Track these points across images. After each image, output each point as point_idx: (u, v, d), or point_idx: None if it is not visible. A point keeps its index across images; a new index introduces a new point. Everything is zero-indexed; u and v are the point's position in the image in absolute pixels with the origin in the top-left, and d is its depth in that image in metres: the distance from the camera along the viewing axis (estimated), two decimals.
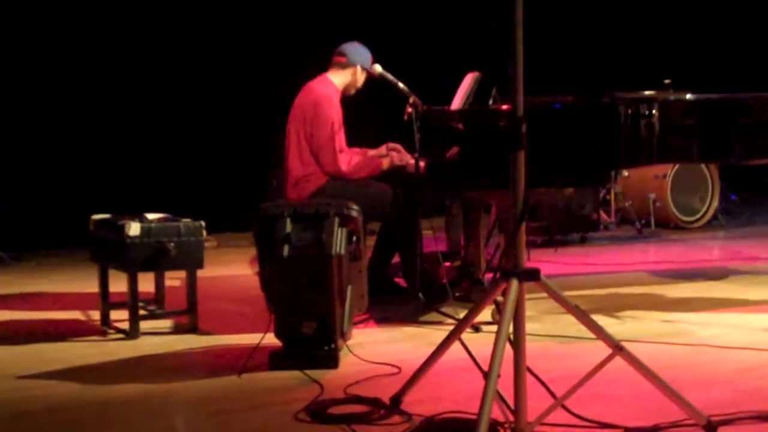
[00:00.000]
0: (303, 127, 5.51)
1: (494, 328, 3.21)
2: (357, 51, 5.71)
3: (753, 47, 11.27)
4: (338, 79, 5.69)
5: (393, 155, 5.67)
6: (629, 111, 5.25)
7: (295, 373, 4.18)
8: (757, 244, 8.03)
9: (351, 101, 5.78)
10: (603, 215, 8.99)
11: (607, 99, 5.37)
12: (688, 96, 5.60)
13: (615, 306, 5.52)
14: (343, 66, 5.69)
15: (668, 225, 9.09)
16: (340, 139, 5.57)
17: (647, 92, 5.75)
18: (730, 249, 7.99)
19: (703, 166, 9.06)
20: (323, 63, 5.76)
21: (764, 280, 6.31)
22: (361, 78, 5.72)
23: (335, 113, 5.54)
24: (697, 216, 9.22)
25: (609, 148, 5.19)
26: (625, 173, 8.89)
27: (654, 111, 5.30)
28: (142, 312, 5.22)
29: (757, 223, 9.46)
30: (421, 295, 5.35)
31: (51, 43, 8.75)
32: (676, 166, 8.88)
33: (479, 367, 3.25)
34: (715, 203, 9.25)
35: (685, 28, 11.31)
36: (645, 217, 8.96)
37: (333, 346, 4.34)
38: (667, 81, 6.99)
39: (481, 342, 3.77)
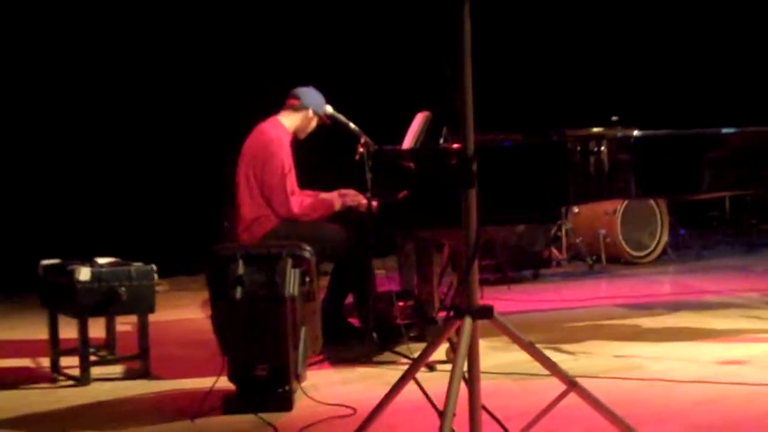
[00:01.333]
0: (253, 170, 5.51)
1: (449, 366, 3.20)
2: (311, 95, 5.73)
3: (701, 83, 11.44)
4: (289, 121, 5.70)
5: (344, 199, 5.66)
6: (578, 148, 5.30)
7: (250, 417, 4.15)
8: (706, 278, 8.11)
9: (303, 142, 5.79)
10: (554, 252, 9.03)
11: (556, 137, 5.43)
12: (636, 132, 5.67)
13: (568, 342, 5.54)
14: (296, 109, 5.70)
15: (619, 260, 9.15)
16: (291, 181, 5.56)
17: (595, 129, 5.81)
18: (680, 283, 8.07)
19: (652, 201, 9.15)
20: (275, 104, 5.76)
21: (715, 314, 6.36)
22: (312, 122, 5.73)
23: (285, 155, 5.53)
24: (647, 251, 9.30)
25: (559, 185, 5.24)
26: (576, 210, 8.95)
27: (602, 147, 5.36)
28: (93, 358, 5.15)
29: (705, 257, 9.55)
30: (375, 335, 5.34)
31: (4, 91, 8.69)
32: (626, 202, 8.96)
33: (434, 407, 3.24)
34: (665, 238, 9.33)
35: (632, 64, 11.46)
36: (596, 253, 9.02)
37: (287, 388, 4.31)
38: (614, 118, 7.08)
39: (436, 381, 3.75)
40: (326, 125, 5.75)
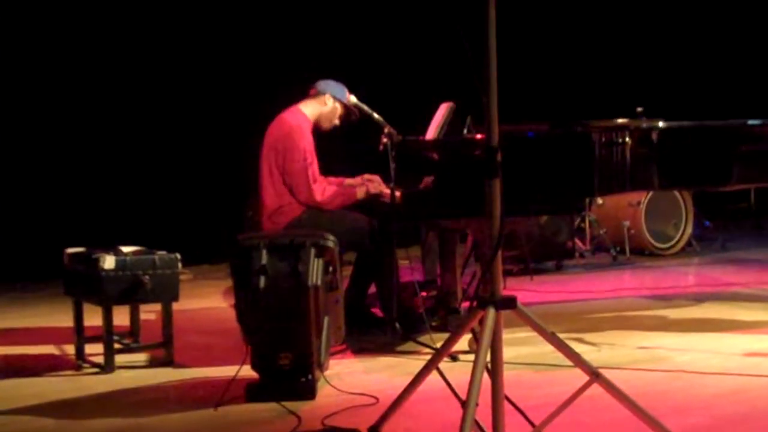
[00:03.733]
0: (275, 159, 5.51)
1: (471, 357, 3.21)
2: (328, 83, 5.73)
3: (725, 75, 11.37)
4: (309, 109, 5.70)
5: (368, 185, 5.67)
6: (603, 139, 5.28)
7: (272, 405, 4.16)
8: (731, 270, 8.07)
9: (329, 133, 5.79)
10: (578, 243, 9.01)
11: (580, 128, 5.40)
12: (660, 124, 5.64)
13: (591, 333, 5.53)
14: (314, 96, 5.71)
15: (643, 252, 9.12)
16: (314, 168, 5.56)
17: (620, 120, 5.78)
18: (704, 275, 8.03)
19: (676, 193, 9.11)
20: (298, 94, 5.77)
21: (738, 306, 6.34)
22: (333, 107, 5.71)
23: (307, 143, 5.54)
24: (671, 243, 9.26)
25: (583, 176, 5.22)
26: (600, 201, 8.92)
27: (627, 139, 5.33)
28: (117, 346, 5.17)
29: (730, 249, 9.50)
30: (397, 325, 5.34)
31: (12, 76, 8.71)
32: (650, 194, 8.92)
33: (457, 396, 3.24)
34: (689, 230, 9.28)
35: (657, 55, 11.41)
36: (620, 244, 8.99)
37: (310, 377, 4.32)
38: (639, 109, 7.03)
39: (458, 371, 3.76)
40: (353, 119, 5.74)
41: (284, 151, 5.49)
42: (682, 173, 5.55)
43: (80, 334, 5.27)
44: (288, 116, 5.63)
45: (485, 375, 3.11)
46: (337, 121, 5.78)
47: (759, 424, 3.61)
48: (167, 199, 9.25)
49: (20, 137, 8.74)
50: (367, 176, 5.74)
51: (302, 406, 4.12)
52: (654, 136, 5.48)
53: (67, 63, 8.91)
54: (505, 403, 3.19)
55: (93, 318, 5.16)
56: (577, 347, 4.30)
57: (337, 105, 5.73)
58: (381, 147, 5.37)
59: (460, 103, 5.75)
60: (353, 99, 5.69)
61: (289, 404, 4.13)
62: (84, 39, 8.94)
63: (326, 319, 4.48)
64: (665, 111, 6.20)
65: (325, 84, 5.73)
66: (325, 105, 5.71)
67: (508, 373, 3.22)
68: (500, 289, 3.21)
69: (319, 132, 5.72)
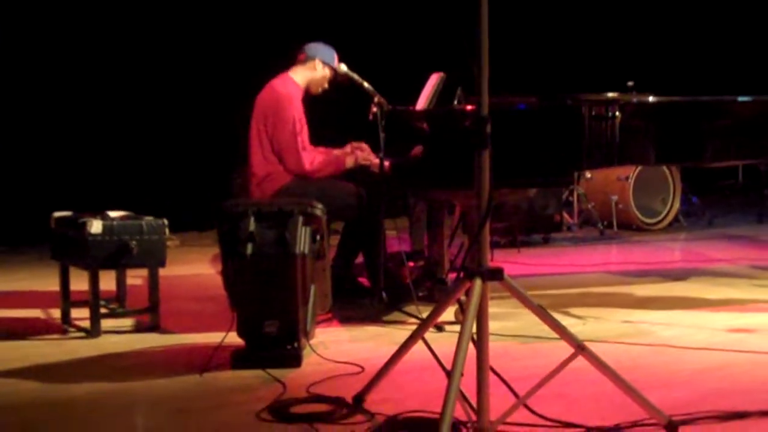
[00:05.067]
0: (265, 126, 5.50)
1: (457, 327, 3.22)
2: (317, 47, 5.71)
3: (717, 50, 11.37)
4: (299, 76, 5.68)
5: (357, 154, 5.67)
6: (592, 113, 5.28)
7: (258, 372, 4.17)
8: (717, 246, 8.10)
9: (317, 100, 5.77)
10: (566, 216, 9.03)
11: (570, 101, 5.40)
12: (651, 98, 5.64)
13: (577, 306, 5.55)
14: (304, 62, 5.69)
15: (630, 227, 9.14)
16: (303, 137, 5.55)
17: (610, 94, 5.77)
18: (691, 251, 8.05)
19: (664, 168, 9.13)
20: (287, 62, 5.75)
21: (724, 282, 6.36)
22: (323, 73, 5.69)
23: (296, 111, 5.52)
24: (659, 218, 9.29)
25: (572, 149, 5.22)
26: (588, 175, 8.93)
27: (617, 113, 5.33)
28: (103, 310, 5.18)
29: (717, 225, 9.54)
30: (384, 294, 5.35)
31: (14, 45, 8.67)
32: (639, 169, 8.93)
33: (442, 367, 3.25)
34: (677, 206, 9.31)
35: (648, 30, 11.39)
36: (607, 218, 9.01)
37: (296, 345, 4.33)
38: (630, 83, 7.03)
39: (444, 341, 3.78)
40: (343, 84, 5.72)
41: (274, 119, 5.47)
42: (671, 149, 5.55)
43: (66, 299, 5.27)
44: (278, 84, 5.61)
45: (471, 346, 3.12)
46: (326, 85, 5.76)
47: (742, 398, 3.63)
48: (156, 165, 9.22)
49: (9, 103, 8.69)
50: (355, 144, 5.73)
51: (288, 374, 4.13)
52: (643, 110, 5.48)
53: (57, 34, 8.86)
54: (490, 374, 3.20)
55: (79, 282, 5.15)
56: (563, 320, 4.33)
57: (327, 70, 5.71)
58: (370, 116, 5.36)
59: (451, 73, 5.74)
60: (344, 68, 5.67)
61: (274, 372, 4.14)
62: (72, 11, 8.89)
63: (313, 288, 4.48)
64: (657, 85, 6.21)
65: (314, 48, 5.70)
66: (314, 70, 5.68)
67: (493, 345, 3.23)
68: (487, 260, 3.22)
69: (309, 97, 5.70)
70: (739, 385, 3.93)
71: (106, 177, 8.86)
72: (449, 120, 5.32)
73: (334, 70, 5.70)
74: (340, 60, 5.71)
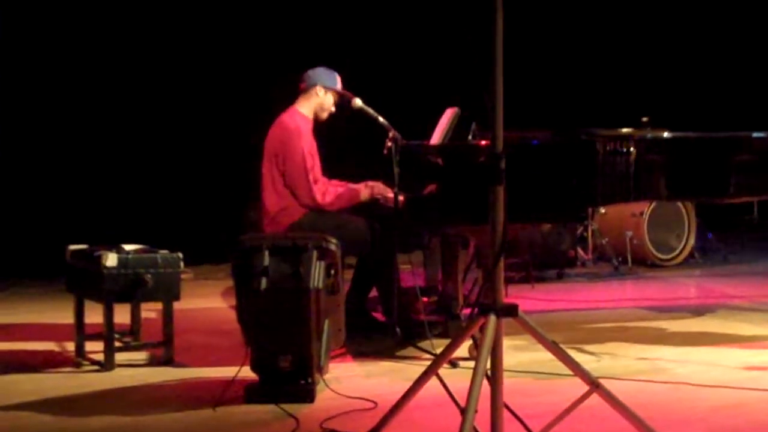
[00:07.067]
0: (276, 162, 5.51)
1: (471, 363, 3.21)
2: (316, 73, 5.69)
3: (731, 86, 11.37)
4: (305, 107, 5.69)
5: (373, 187, 5.65)
6: (607, 148, 5.28)
7: (271, 407, 4.16)
8: (733, 283, 8.07)
9: (332, 135, 5.78)
10: (580, 252, 9.01)
11: (584, 136, 5.40)
12: (666, 134, 5.64)
13: (592, 343, 5.52)
14: (306, 91, 5.69)
15: (645, 262, 9.11)
16: (315, 170, 5.56)
17: (625, 129, 5.78)
18: (706, 287, 8.02)
19: (679, 204, 9.11)
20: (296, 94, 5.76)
21: (740, 318, 6.33)
22: (326, 98, 5.69)
23: (306, 144, 5.53)
24: (674, 254, 9.26)
25: (586, 184, 5.22)
26: (603, 210, 8.93)
27: (631, 148, 5.33)
28: (117, 344, 5.17)
29: (732, 261, 9.50)
30: (398, 329, 5.34)
31: (20, 75, 8.72)
32: (653, 204, 8.92)
33: (456, 403, 3.24)
34: (692, 241, 9.29)
35: (664, 65, 11.41)
36: (622, 254, 8.99)
37: (309, 380, 4.32)
38: (644, 119, 7.04)
39: (458, 378, 3.76)
40: (348, 107, 5.68)
41: (284, 153, 5.49)
42: (686, 184, 5.55)
43: (81, 331, 5.28)
44: (286, 118, 5.62)
45: (485, 382, 3.11)
46: (333, 109, 5.74)
47: None
48: (170, 198, 9.26)
49: (27, 135, 8.75)
50: (370, 183, 5.73)
51: (301, 409, 4.12)
52: (658, 146, 5.48)
53: (72, 62, 8.94)
54: (504, 410, 3.18)
55: (94, 315, 5.16)
56: (578, 357, 4.30)
57: (330, 94, 5.70)
58: (385, 151, 5.36)
59: (465, 108, 5.75)
60: (358, 102, 5.67)
61: (287, 407, 4.13)
62: (89, 38, 8.97)
63: (327, 323, 4.48)
64: (672, 121, 6.21)
65: (314, 75, 5.69)
66: (317, 97, 5.68)
67: (507, 381, 3.22)
68: (502, 296, 3.21)
69: (323, 131, 5.70)
70: (753, 423, 3.90)
71: (122, 211, 8.89)
72: (463, 155, 5.32)
73: (337, 92, 5.69)
74: (355, 95, 5.69)
